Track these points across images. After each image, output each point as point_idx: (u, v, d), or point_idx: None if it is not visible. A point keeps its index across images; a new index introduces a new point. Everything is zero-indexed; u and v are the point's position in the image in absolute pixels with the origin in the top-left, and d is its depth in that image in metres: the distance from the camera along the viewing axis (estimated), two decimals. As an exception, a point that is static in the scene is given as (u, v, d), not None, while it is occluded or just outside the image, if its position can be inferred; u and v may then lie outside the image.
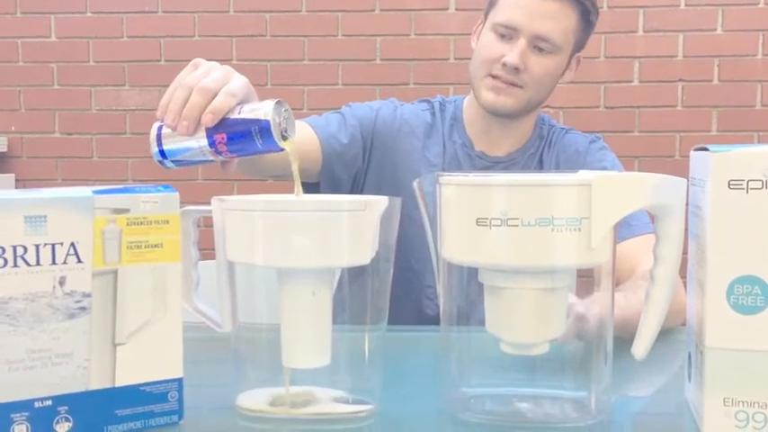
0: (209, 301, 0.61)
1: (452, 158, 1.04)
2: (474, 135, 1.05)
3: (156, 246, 0.52)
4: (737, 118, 2.02)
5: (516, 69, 0.95)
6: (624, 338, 0.55)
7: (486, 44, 0.99)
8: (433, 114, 1.08)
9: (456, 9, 2.04)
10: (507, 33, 0.96)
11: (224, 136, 0.61)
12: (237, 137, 0.60)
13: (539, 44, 0.96)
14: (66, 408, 0.49)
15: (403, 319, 0.94)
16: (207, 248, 0.57)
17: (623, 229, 0.90)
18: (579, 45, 1.02)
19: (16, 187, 2.10)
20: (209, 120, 0.60)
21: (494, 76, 0.97)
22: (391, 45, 2.05)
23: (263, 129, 0.59)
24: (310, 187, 1.01)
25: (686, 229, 0.54)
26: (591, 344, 0.55)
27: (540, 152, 1.06)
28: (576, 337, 0.56)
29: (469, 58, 1.03)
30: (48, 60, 2.13)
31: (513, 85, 0.97)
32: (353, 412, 0.56)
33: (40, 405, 0.49)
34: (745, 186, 0.48)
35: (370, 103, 1.08)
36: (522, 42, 0.95)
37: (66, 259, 0.49)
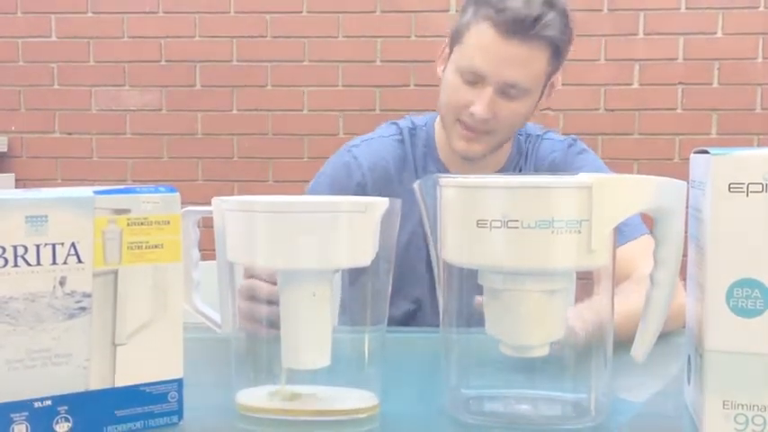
0: (209, 302, 0.61)
1: None
2: (449, 161, 1.02)
3: (156, 246, 0.52)
4: (737, 121, 2.02)
5: (486, 119, 0.92)
6: (620, 341, 0.55)
7: (452, 87, 0.94)
8: (402, 142, 1.03)
9: (457, 11, 2.04)
10: (473, 79, 0.91)
11: None
12: None
13: (507, 90, 0.91)
14: (65, 408, 0.49)
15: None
16: (207, 249, 0.57)
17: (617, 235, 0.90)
18: (554, 73, 0.96)
19: (16, 187, 2.10)
20: None
21: (464, 124, 0.93)
22: (392, 46, 2.06)
23: None
24: None
25: (686, 232, 0.54)
26: (590, 347, 0.55)
27: (520, 167, 1.03)
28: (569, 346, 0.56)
29: None
30: (48, 60, 2.13)
31: (482, 132, 0.94)
32: (353, 413, 0.56)
33: (40, 405, 0.49)
34: (745, 190, 0.48)
35: (323, 180, 1.02)
36: (488, 91, 0.90)
37: (66, 259, 0.49)
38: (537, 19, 0.88)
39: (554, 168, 1.01)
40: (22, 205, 0.48)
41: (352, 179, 1.01)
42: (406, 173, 1.02)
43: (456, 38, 0.94)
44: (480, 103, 0.91)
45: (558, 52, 0.92)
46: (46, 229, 0.48)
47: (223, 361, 0.62)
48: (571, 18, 0.93)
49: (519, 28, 0.88)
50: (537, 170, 1.02)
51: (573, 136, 1.08)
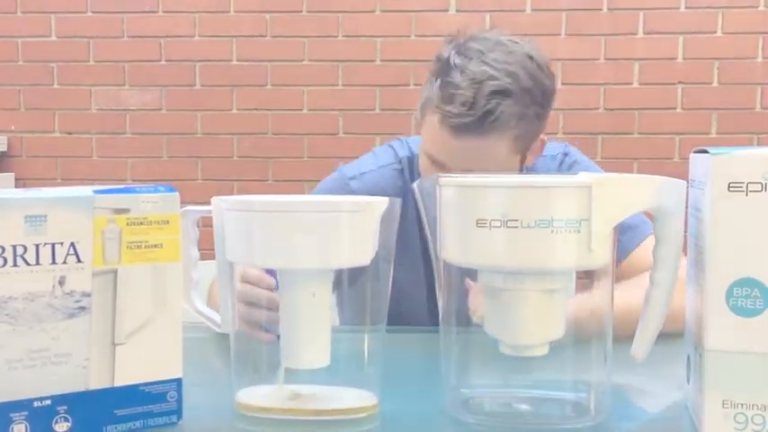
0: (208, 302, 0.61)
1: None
2: None
3: (155, 246, 0.52)
4: (737, 120, 2.02)
5: None
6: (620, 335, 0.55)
7: (423, 167, 0.91)
8: (402, 172, 0.98)
9: (457, 10, 2.04)
10: (438, 165, 0.86)
11: None
12: None
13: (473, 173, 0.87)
14: (65, 407, 0.49)
15: None
16: (207, 249, 0.57)
17: (629, 234, 0.88)
18: (532, 140, 0.89)
19: (16, 187, 2.10)
20: None
21: None
22: (392, 46, 2.06)
23: None
24: None
25: (685, 232, 0.54)
26: (590, 346, 0.55)
27: None
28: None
29: None
30: (48, 60, 2.13)
31: None
32: (353, 412, 0.56)
33: (40, 404, 0.49)
34: (744, 189, 0.48)
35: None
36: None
37: (65, 259, 0.49)
38: (484, 117, 0.82)
39: None
40: (21, 205, 0.48)
41: None
42: (407, 204, 1.00)
43: (422, 111, 0.90)
44: None
45: (521, 135, 0.85)
46: (45, 228, 0.48)
47: (222, 360, 0.62)
48: (541, 80, 0.85)
49: (466, 129, 0.82)
50: None
51: (564, 145, 1.03)
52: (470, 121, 0.82)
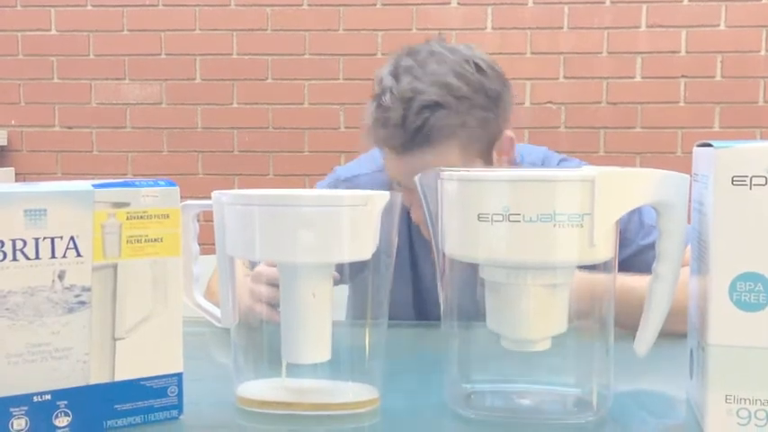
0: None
1: (415, 227, 0.92)
2: None
3: (156, 240, 0.52)
4: (740, 114, 2.01)
5: None
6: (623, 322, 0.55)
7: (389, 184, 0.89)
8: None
9: (458, 4, 2.03)
10: (402, 186, 0.83)
11: None
12: None
13: None
14: (65, 402, 0.49)
15: None
16: (207, 243, 0.57)
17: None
18: (493, 141, 0.86)
19: (16, 181, 2.10)
20: None
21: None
22: (393, 39, 2.05)
23: None
24: None
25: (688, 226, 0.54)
26: (591, 341, 0.55)
27: None
28: None
29: None
30: (48, 53, 2.12)
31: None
32: (354, 407, 0.56)
33: (40, 399, 0.48)
34: (748, 183, 0.47)
35: None
36: (416, 198, 0.85)
37: (65, 253, 0.49)
38: (416, 134, 0.80)
39: None
40: (20, 198, 0.48)
41: None
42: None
43: (367, 136, 0.87)
44: (414, 210, 0.86)
45: (470, 139, 0.82)
46: (45, 222, 0.48)
47: (223, 355, 0.61)
48: (482, 84, 0.82)
49: (401, 141, 0.81)
50: None
51: (543, 149, 1.00)
52: (404, 140, 0.80)
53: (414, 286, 0.99)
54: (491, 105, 0.84)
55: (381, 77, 0.84)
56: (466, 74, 0.82)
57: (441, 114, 0.80)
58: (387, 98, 0.81)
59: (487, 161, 0.88)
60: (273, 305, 0.60)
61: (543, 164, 0.99)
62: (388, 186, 0.97)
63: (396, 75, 0.83)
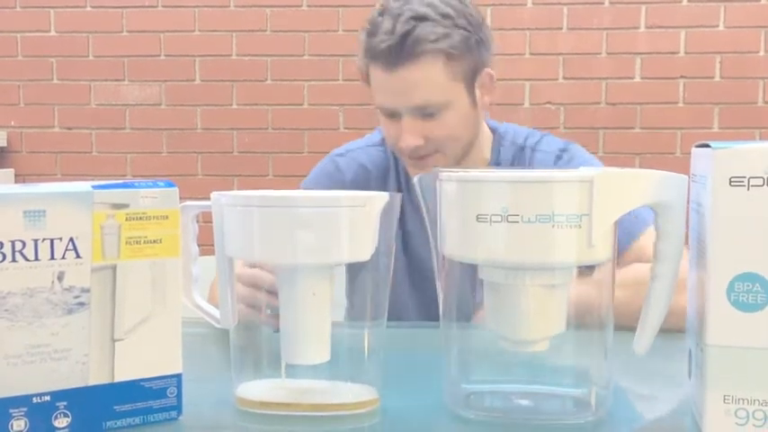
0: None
1: (411, 203, 0.98)
2: None
3: (155, 241, 0.52)
4: (739, 115, 2.01)
5: (417, 147, 0.92)
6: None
7: (382, 124, 0.96)
8: (386, 152, 1.04)
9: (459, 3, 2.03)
10: (390, 113, 0.92)
11: None
12: None
13: (422, 112, 0.90)
14: (64, 403, 0.49)
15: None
16: (206, 244, 0.57)
17: (630, 226, 0.88)
18: (475, 71, 0.93)
19: (16, 182, 2.10)
20: None
21: (408, 156, 0.94)
22: (392, 40, 2.05)
23: None
24: None
25: (687, 226, 0.54)
26: (590, 341, 0.55)
27: None
28: None
29: None
30: (47, 55, 2.13)
31: (427, 156, 0.93)
32: (353, 408, 0.56)
33: (39, 400, 0.48)
34: (746, 184, 0.47)
35: (308, 188, 1.03)
36: (406, 121, 0.91)
37: (64, 254, 0.49)
38: (404, 41, 0.87)
39: None
40: (19, 200, 0.48)
41: (335, 189, 1.03)
42: (388, 181, 1.04)
43: (361, 72, 0.96)
44: (404, 136, 0.91)
45: (453, 54, 0.89)
46: (44, 223, 0.48)
47: (222, 356, 0.61)
48: (463, 10, 0.91)
49: (394, 57, 0.88)
50: None
51: (566, 143, 1.04)
52: (393, 44, 0.88)
53: (410, 278, 1.01)
54: (473, 30, 0.92)
55: (375, 9, 0.94)
56: (451, 1, 0.92)
57: (427, 25, 0.89)
58: (378, 18, 0.92)
59: (470, 92, 0.94)
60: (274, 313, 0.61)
61: (525, 142, 1.03)
62: (378, 159, 1.04)
63: (387, 5, 0.93)
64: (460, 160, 0.98)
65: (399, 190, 1.03)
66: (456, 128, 0.94)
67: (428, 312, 1.01)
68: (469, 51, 0.92)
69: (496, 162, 1.03)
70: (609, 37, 2.02)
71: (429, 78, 0.89)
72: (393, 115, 0.92)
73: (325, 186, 1.03)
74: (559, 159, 1.02)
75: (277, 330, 0.57)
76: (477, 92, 0.95)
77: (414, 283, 1.02)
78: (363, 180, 1.03)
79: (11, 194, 0.48)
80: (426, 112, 0.91)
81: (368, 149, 1.06)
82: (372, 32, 0.91)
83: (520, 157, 1.03)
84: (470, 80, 0.94)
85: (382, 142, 1.05)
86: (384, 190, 1.02)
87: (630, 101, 2.03)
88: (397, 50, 0.88)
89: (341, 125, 2.08)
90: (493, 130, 1.05)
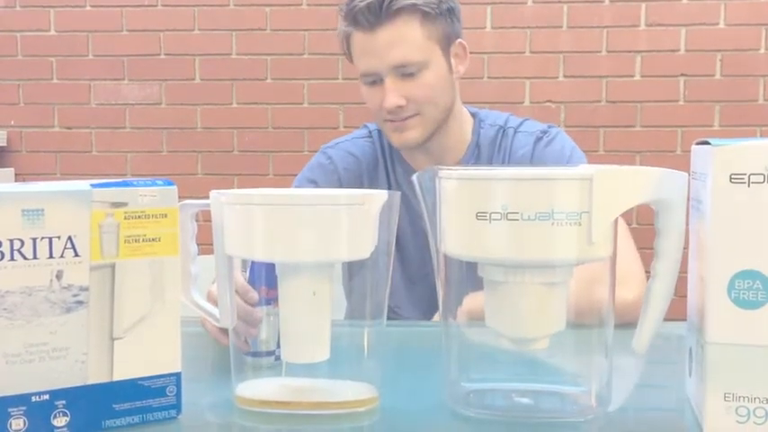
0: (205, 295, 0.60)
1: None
2: (411, 159, 1.05)
3: (153, 240, 0.52)
4: (740, 113, 2.01)
5: (399, 107, 0.96)
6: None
7: (365, 95, 1.00)
8: (373, 143, 1.08)
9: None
10: (372, 80, 0.97)
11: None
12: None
13: (402, 72, 0.95)
14: (63, 402, 0.49)
15: None
16: (205, 243, 0.57)
17: None
18: (449, 37, 0.99)
19: (16, 181, 2.10)
20: None
21: (389, 120, 0.98)
22: (392, 39, 2.04)
23: None
24: None
25: (687, 224, 0.54)
26: (590, 339, 0.55)
27: (490, 159, 1.04)
28: None
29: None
30: (47, 54, 2.12)
31: (408, 118, 0.97)
32: (353, 406, 0.56)
33: (38, 399, 0.48)
34: (746, 180, 0.47)
35: (302, 183, 1.07)
36: (387, 82, 0.95)
37: (63, 253, 0.49)
38: (381, 1, 0.92)
39: (524, 164, 1.02)
40: (18, 198, 0.48)
41: (329, 180, 1.06)
42: (378, 171, 1.07)
43: (342, 46, 1.00)
44: (386, 96, 0.95)
45: (428, 14, 0.95)
46: (42, 222, 0.48)
47: (221, 354, 0.61)
48: None
49: (371, 17, 0.93)
50: (508, 164, 1.04)
51: (548, 125, 1.07)
52: (369, 4, 0.92)
53: (405, 273, 1.03)
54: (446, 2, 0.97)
55: None
56: None
57: None
58: None
59: (446, 57, 0.99)
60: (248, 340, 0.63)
61: (506, 123, 1.06)
62: (367, 150, 1.08)
63: None
64: (440, 128, 1.00)
65: (389, 181, 1.06)
66: (434, 89, 0.98)
67: (420, 309, 1.02)
68: (443, 15, 0.97)
69: (477, 144, 1.05)
70: (609, 35, 2.02)
71: (407, 36, 0.94)
72: (373, 82, 0.97)
73: (319, 177, 1.06)
74: (539, 141, 1.04)
75: (248, 353, 0.59)
76: (453, 60, 1.00)
77: (405, 279, 1.03)
78: (355, 168, 1.06)
79: (9, 193, 0.48)
80: (406, 72, 0.95)
81: (356, 141, 1.09)
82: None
83: (501, 137, 1.05)
84: (446, 45, 0.98)
85: (370, 134, 1.09)
86: (375, 179, 1.06)
87: (631, 99, 2.03)
88: (376, 10, 0.93)
89: (341, 124, 2.08)
90: (473, 115, 1.08)
